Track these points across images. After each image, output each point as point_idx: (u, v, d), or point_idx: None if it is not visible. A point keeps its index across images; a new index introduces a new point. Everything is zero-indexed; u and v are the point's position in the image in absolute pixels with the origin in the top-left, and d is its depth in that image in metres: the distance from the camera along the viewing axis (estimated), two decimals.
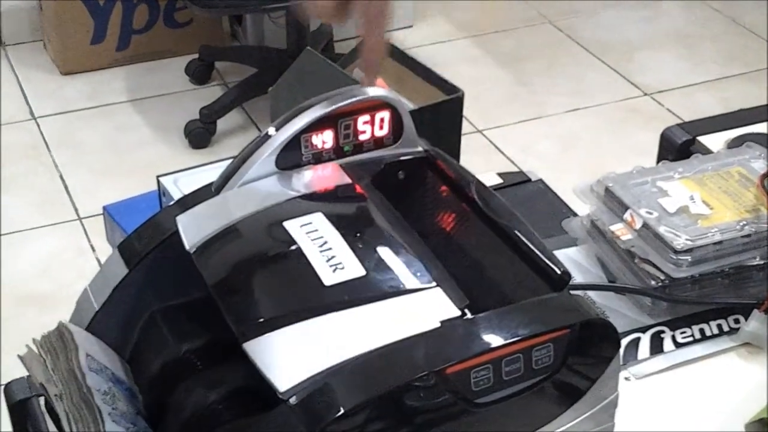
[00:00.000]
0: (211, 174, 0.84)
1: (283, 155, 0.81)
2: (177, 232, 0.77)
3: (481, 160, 2.58)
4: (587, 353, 0.70)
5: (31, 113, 2.81)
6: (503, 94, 2.92)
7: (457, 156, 1.74)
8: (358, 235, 0.75)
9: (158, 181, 1.22)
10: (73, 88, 2.91)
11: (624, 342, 0.94)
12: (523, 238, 0.74)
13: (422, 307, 0.69)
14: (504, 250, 0.75)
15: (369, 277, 0.71)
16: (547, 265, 0.72)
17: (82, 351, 0.73)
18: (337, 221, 0.75)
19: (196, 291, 0.76)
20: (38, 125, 2.76)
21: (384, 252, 0.73)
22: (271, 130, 0.82)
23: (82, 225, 2.39)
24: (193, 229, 0.77)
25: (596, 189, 1.03)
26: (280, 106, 1.78)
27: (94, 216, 2.37)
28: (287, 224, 0.75)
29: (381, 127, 0.83)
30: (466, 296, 0.70)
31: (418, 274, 0.71)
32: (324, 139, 0.82)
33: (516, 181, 1.22)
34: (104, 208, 1.44)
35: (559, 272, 0.71)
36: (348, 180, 0.81)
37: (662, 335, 0.96)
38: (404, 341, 0.65)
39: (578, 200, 1.06)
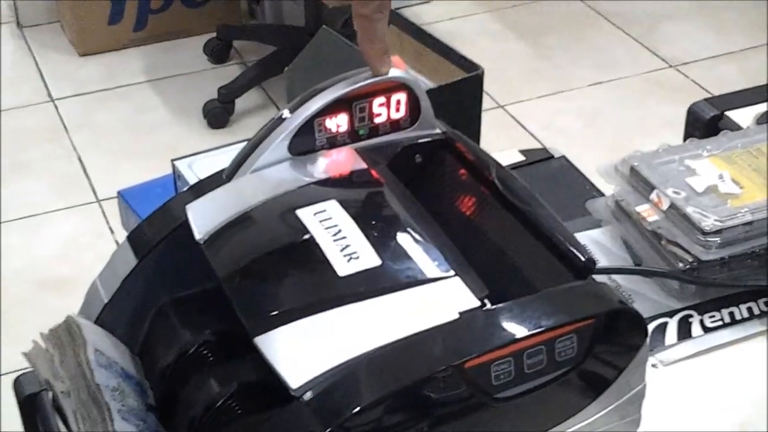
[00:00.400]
0: (226, 157, 0.82)
1: (296, 140, 0.79)
2: (187, 221, 0.75)
3: (503, 136, 2.55)
4: (613, 343, 0.68)
5: (49, 95, 2.80)
6: (524, 68, 2.88)
7: (478, 133, 1.72)
8: (374, 222, 0.73)
9: (173, 165, 1.19)
10: (90, 70, 2.90)
11: (650, 327, 0.91)
12: (546, 224, 0.72)
13: (440, 298, 0.66)
14: (526, 236, 0.72)
15: (385, 267, 0.68)
16: (571, 252, 0.70)
17: (91, 346, 0.71)
18: (351, 208, 0.73)
19: (208, 282, 0.74)
20: (56, 107, 2.75)
21: (400, 240, 0.71)
22: (285, 113, 0.79)
23: (101, 207, 2.38)
24: (204, 219, 0.75)
25: (621, 168, 1.00)
26: (297, 86, 1.76)
27: (112, 198, 2.35)
28: (300, 212, 0.73)
29: (397, 109, 0.81)
30: (486, 285, 0.68)
31: (436, 262, 0.69)
32: (338, 123, 0.79)
33: (538, 158, 1.19)
34: (119, 193, 1.42)
35: (583, 259, 0.69)
36: (363, 165, 0.78)
37: (690, 320, 0.93)
38: (421, 334, 0.63)
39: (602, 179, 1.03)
